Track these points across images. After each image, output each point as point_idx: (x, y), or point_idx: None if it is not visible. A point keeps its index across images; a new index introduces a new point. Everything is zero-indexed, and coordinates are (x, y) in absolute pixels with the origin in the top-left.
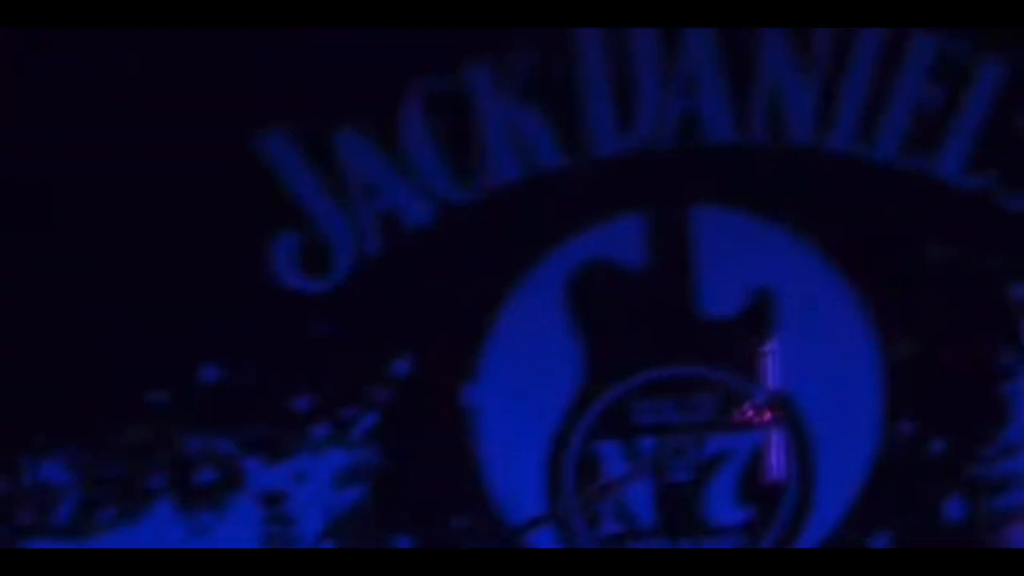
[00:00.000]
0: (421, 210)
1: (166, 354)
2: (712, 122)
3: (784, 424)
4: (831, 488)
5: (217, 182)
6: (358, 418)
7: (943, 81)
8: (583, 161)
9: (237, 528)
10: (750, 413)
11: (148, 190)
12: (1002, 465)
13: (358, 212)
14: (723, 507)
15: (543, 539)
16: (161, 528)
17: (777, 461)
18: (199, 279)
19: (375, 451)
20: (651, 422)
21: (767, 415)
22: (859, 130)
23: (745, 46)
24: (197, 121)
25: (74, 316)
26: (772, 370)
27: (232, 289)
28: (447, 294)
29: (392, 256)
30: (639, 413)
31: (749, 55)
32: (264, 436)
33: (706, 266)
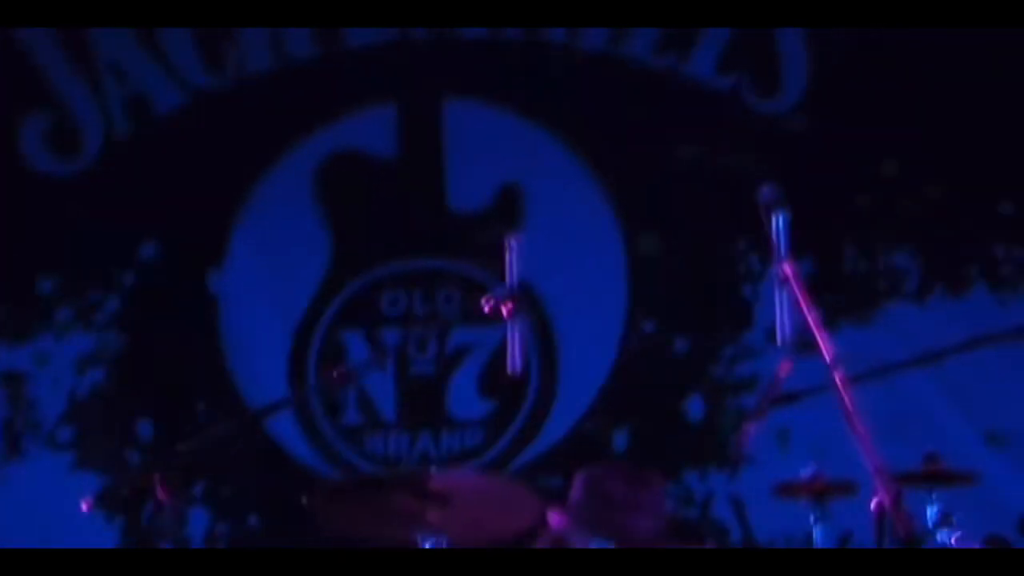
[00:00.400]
0: (171, 96)
1: None
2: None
3: (527, 318)
4: (573, 383)
5: None
6: (102, 302)
7: None
8: (335, 51)
9: None
10: (493, 305)
11: None
12: (743, 367)
13: (107, 95)
14: (465, 400)
15: (284, 424)
16: None
17: (518, 354)
18: None
19: (118, 335)
20: (396, 313)
21: (510, 308)
22: (612, 30)
23: None
24: None
25: None
26: (517, 264)
27: None
28: (195, 180)
29: (141, 141)
30: (384, 304)
31: None
32: (6, 317)
33: (456, 160)
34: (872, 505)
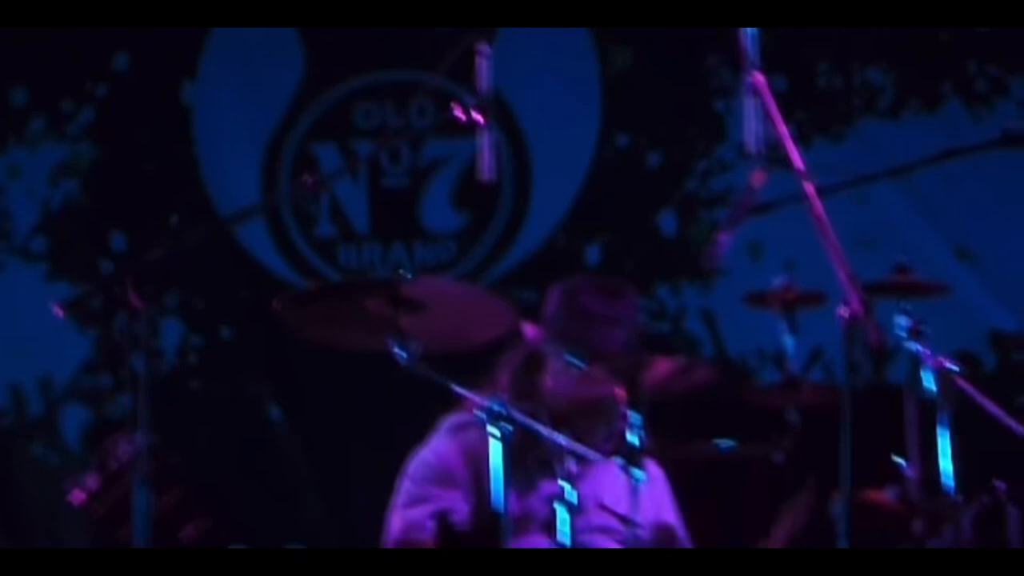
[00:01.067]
0: None
1: None
2: None
3: (499, 128)
4: (546, 196)
5: None
6: (76, 113)
7: None
8: None
9: None
10: (465, 114)
11: None
12: (716, 181)
13: None
14: (438, 213)
15: (257, 236)
16: None
17: (492, 162)
18: None
19: (92, 146)
20: (369, 125)
21: (483, 117)
22: None
23: None
24: None
25: None
26: (489, 73)
27: None
28: None
29: None
30: (357, 116)
31: None
32: None
33: None
34: (842, 313)
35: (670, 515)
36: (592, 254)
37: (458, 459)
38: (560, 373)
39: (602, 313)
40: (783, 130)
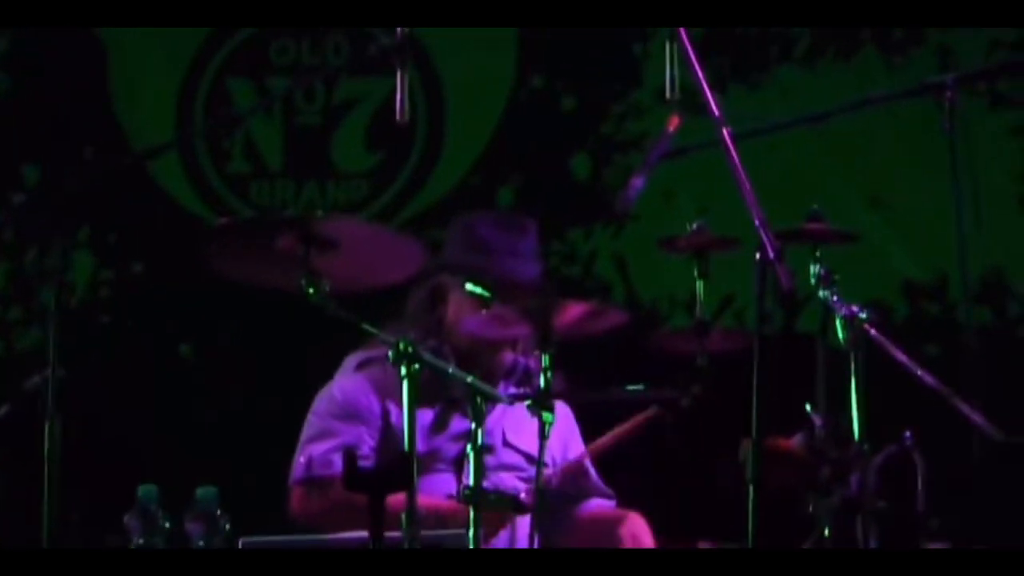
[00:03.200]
0: None
1: None
2: None
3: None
4: (460, 137)
5: None
6: None
7: None
8: None
9: None
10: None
11: None
12: (631, 124)
13: None
14: (352, 152)
15: (170, 171)
16: None
17: (404, 104)
18: None
19: (4, 76)
20: (284, 62)
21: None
22: None
23: None
24: None
25: None
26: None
27: None
28: None
29: None
30: (272, 52)
31: None
32: None
33: None
34: (755, 259)
35: (577, 451)
36: (505, 196)
37: (365, 395)
38: (463, 305)
39: (499, 243)
40: (700, 76)
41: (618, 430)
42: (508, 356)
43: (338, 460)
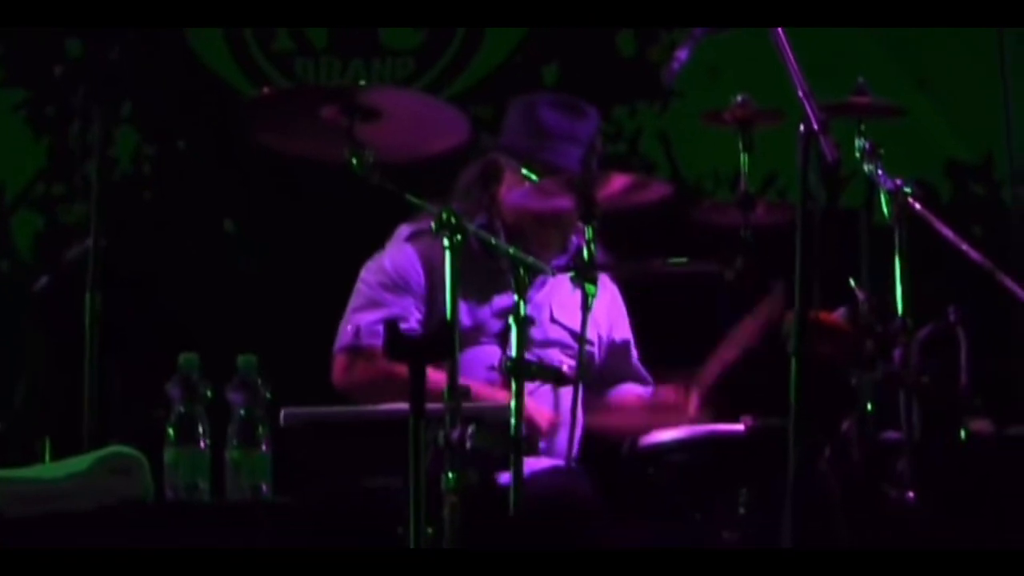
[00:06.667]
0: None
1: None
2: None
3: None
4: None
5: None
6: None
7: None
8: None
9: None
10: None
11: None
12: None
13: None
14: (398, 30)
15: (214, 48)
16: None
17: None
18: None
19: None
20: None
21: None
22: None
23: None
24: None
25: None
26: None
27: None
28: None
29: None
30: None
31: None
32: None
33: None
34: (799, 130)
35: (622, 331)
36: (549, 74)
37: (413, 266)
38: (515, 186)
39: (559, 128)
40: None
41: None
42: (567, 237)
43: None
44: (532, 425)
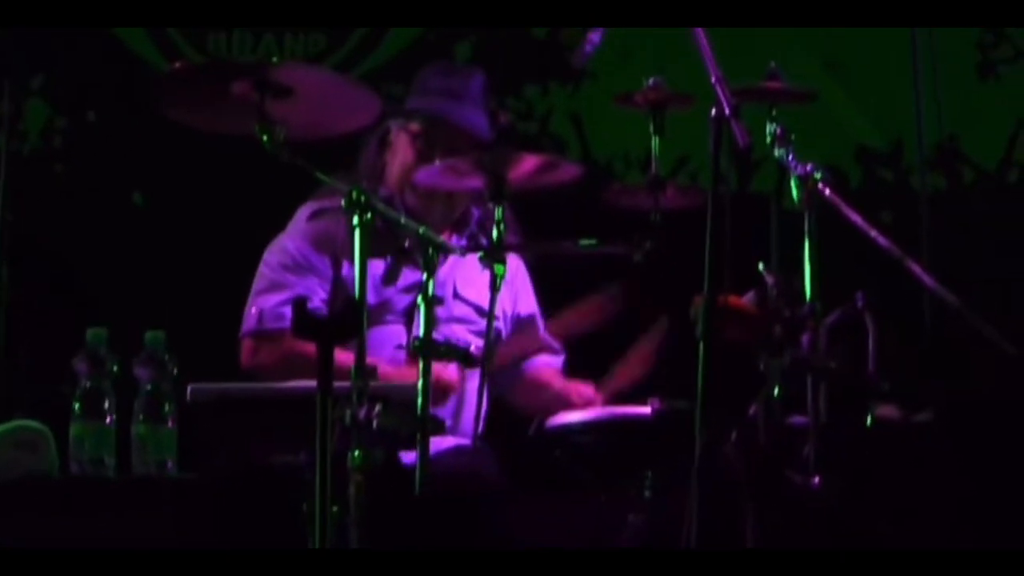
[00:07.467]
0: None
1: None
2: None
3: None
4: None
5: None
6: None
7: None
8: None
9: None
10: None
11: None
12: None
13: None
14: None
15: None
16: None
17: None
18: None
19: None
20: None
21: None
22: None
23: None
24: None
25: None
26: None
27: None
28: None
29: None
30: None
31: None
32: None
33: None
34: (711, 115)
35: (528, 305)
36: (462, 51)
37: (317, 246)
38: (406, 150)
39: (436, 85)
40: None
41: (580, 309)
42: (455, 211)
43: (289, 313)
44: (441, 384)
